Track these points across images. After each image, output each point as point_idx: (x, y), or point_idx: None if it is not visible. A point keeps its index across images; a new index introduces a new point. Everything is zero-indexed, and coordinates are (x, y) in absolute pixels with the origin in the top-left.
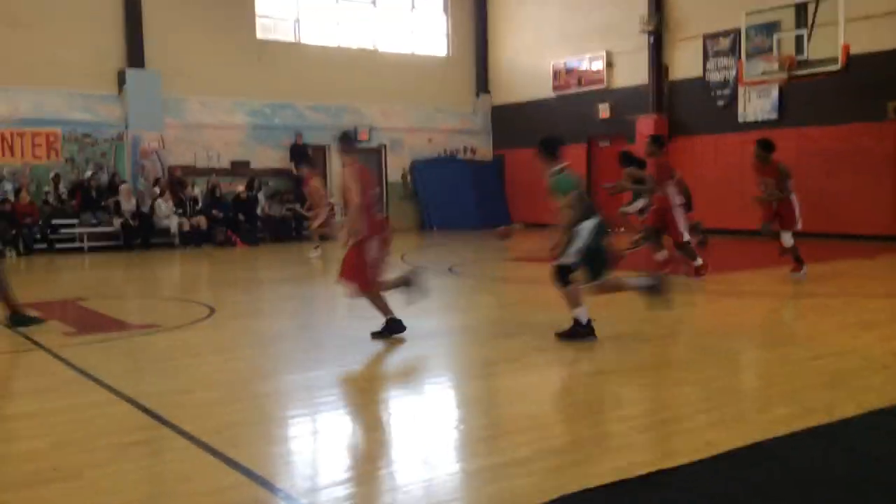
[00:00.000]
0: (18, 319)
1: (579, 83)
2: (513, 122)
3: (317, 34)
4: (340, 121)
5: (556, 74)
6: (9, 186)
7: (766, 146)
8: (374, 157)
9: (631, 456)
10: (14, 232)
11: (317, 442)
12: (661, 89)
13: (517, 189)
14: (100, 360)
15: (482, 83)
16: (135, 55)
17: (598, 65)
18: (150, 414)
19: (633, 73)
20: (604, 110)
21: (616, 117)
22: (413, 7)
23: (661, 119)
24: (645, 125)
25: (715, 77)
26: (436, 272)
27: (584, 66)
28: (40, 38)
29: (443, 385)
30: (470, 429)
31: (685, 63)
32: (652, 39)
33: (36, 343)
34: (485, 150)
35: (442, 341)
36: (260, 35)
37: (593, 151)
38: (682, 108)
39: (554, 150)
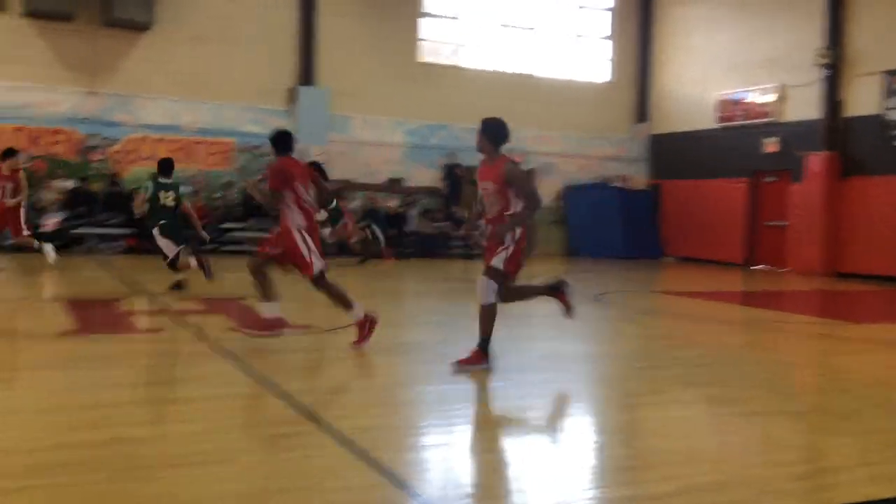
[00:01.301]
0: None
1: (746, 115)
2: (672, 152)
3: (476, 58)
4: None
5: (721, 105)
6: (186, 190)
7: None
8: None
9: (782, 503)
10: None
11: (452, 453)
12: (835, 126)
13: (672, 221)
14: (257, 354)
15: (641, 111)
16: (307, 73)
17: (768, 97)
18: (299, 409)
19: (804, 106)
20: (770, 144)
21: (784, 152)
22: (575, 34)
23: (833, 157)
24: (816, 162)
25: (895, 116)
26: (581, 299)
27: (753, 97)
28: (222, 55)
29: (583, 411)
30: (610, 457)
31: (862, 99)
32: (827, 73)
33: (202, 335)
34: (639, 178)
35: (584, 368)
36: (422, 58)
37: (757, 186)
38: (856, 146)
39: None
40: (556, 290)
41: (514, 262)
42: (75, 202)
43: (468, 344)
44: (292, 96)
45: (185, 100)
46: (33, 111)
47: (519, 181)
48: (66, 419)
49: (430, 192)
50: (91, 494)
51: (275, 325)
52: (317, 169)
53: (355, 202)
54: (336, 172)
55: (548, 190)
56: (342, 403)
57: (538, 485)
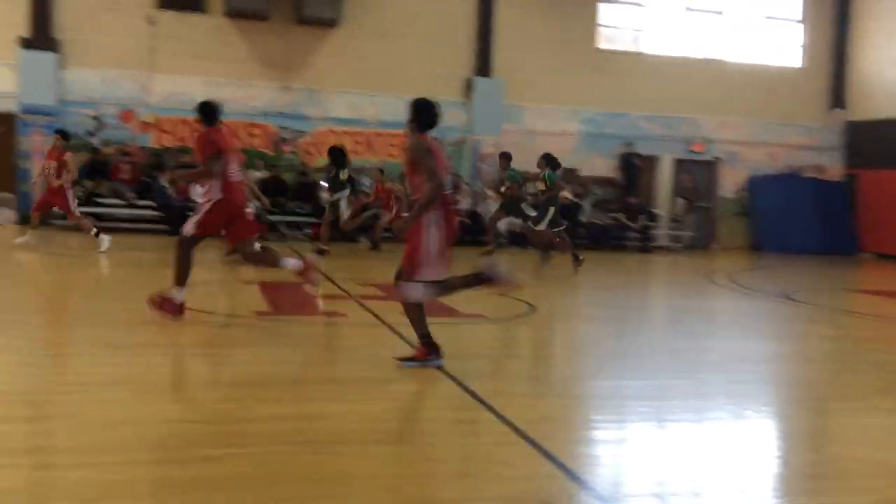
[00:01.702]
0: None
1: None
2: (872, 140)
3: (659, 44)
4: (675, 131)
5: None
6: (367, 181)
7: None
8: (705, 171)
9: None
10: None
11: (625, 450)
12: None
13: (871, 214)
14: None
15: (837, 96)
16: (483, 65)
17: None
18: (474, 396)
19: None
20: None
21: None
22: (766, 16)
23: None
24: None
25: None
26: (768, 296)
27: None
28: (402, 49)
29: (766, 413)
30: (795, 464)
31: None
32: None
33: (381, 319)
34: (834, 168)
35: (769, 367)
36: (600, 45)
37: None
38: None
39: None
40: (485, 279)
41: (428, 256)
42: (267, 192)
43: (641, 339)
44: (468, 87)
45: (367, 93)
46: (232, 106)
47: (419, 158)
48: (256, 393)
49: (605, 181)
50: (280, 464)
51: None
52: (338, 153)
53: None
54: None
55: (731, 180)
56: (517, 393)
57: (715, 488)
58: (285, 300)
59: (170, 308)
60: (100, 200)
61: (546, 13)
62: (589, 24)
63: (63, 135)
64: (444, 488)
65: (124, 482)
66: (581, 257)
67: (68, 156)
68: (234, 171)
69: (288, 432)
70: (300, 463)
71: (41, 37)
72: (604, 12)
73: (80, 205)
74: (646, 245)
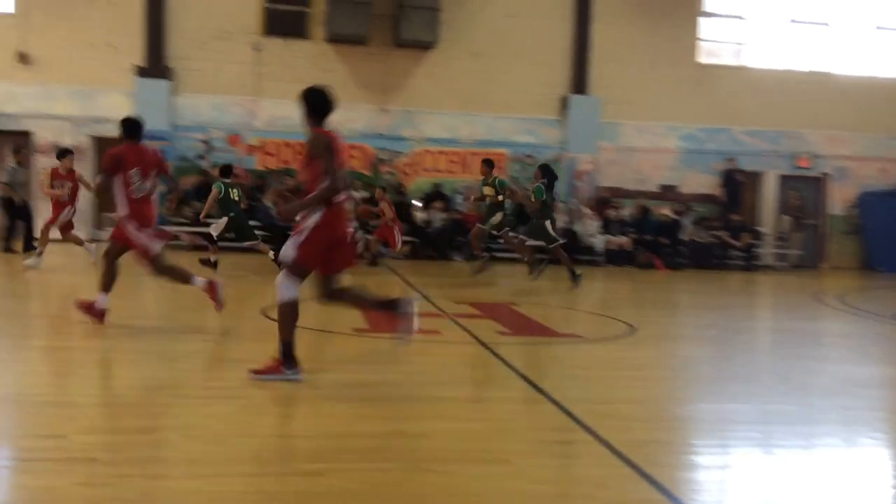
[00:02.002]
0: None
1: None
2: None
3: (762, 57)
4: (779, 147)
5: None
6: (459, 199)
7: None
8: (812, 187)
9: None
10: (460, 238)
11: (730, 476)
12: None
13: None
14: (529, 360)
15: None
16: (578, 82)
17: None
18: (572, 417)
19: None
20: None
21: None
22: (875, 27)
23: None
24: None
25: None
26: (880, 318)
27: None
28: (497, 69)
29: (880, 441)
30: None
31: None
32: None
33: (476, 337)
34: None
35: (883, 393)
36: (701, 59)
37: None
38: None
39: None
40: (391, 308)
41: (308, 251)
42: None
43: (746, 361)
44: (564, 106)
45: (463, 113)
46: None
47: (317, 155)
48: (350, 410)
49: (706, 198)
50: (382, 481)
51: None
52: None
53: (624, 210)
54: (606, 180)
55: (840, 196)
56: (616, 415)
57: None
58: (382, 318)
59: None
60: (208, 220)
61: (644, 29)
62: (689, 38)
63: (65, 153)
64: None
65: (231, 494)
66: (542, 268)
67: (79, 175)
68: (135, 184)
69: (388, 449)
70: (401, 480)
71: (155, 65)
72: (704, 26)
73: (189, 225)
74: (750, 264)
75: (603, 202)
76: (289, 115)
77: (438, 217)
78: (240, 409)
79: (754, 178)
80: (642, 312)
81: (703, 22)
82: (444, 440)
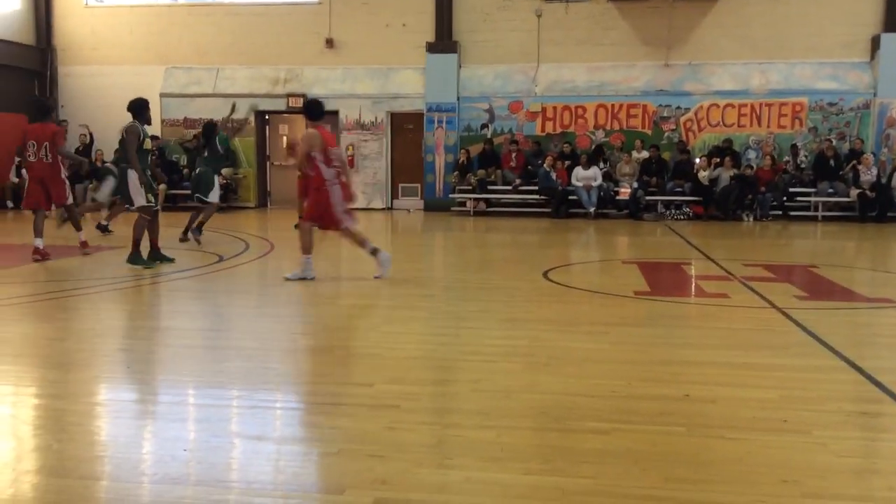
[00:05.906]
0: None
1: None
2: None
3: None
4: None
5: None
6: (752, 154)
7: None
8: None
9: None
10: (750, 197)
11: None
12: None
13: None
14: (830, 326)
15: None
16: (893, 19)
17: None
18: (881, 387)
19: None
20: None
21: None
22: None
23: None
24: None
25: None
26: None
27: None
28: (794, 11)
29: None
30: None
31: None
32: None
33: (769, 302)
34: None
35: None
36: None
37: None
38: None
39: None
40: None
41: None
42: (647, 171)
43: None
44: (875, 46)
45: (755, 62)
46: (612, 88)
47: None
48: (641, 372)
49: None
50: (667, 443)
51: None
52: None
53: None
54: None
55: None
56: None
57: None
58: (664, 280)
59: None
60: (491, 188)
61: None
62: None
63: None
64: (846, 484)
65: (519, 446)
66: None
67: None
68: (34, 156)
69: (676, 413)
70: (690, 445)
71: (443, 40)
72: None
73: (472, 191)
74: None
75: None
76: (569, 78)
77: (725, 175)
78: (524, 367)
79: None
80: None
81: None
82: (733, 407)
